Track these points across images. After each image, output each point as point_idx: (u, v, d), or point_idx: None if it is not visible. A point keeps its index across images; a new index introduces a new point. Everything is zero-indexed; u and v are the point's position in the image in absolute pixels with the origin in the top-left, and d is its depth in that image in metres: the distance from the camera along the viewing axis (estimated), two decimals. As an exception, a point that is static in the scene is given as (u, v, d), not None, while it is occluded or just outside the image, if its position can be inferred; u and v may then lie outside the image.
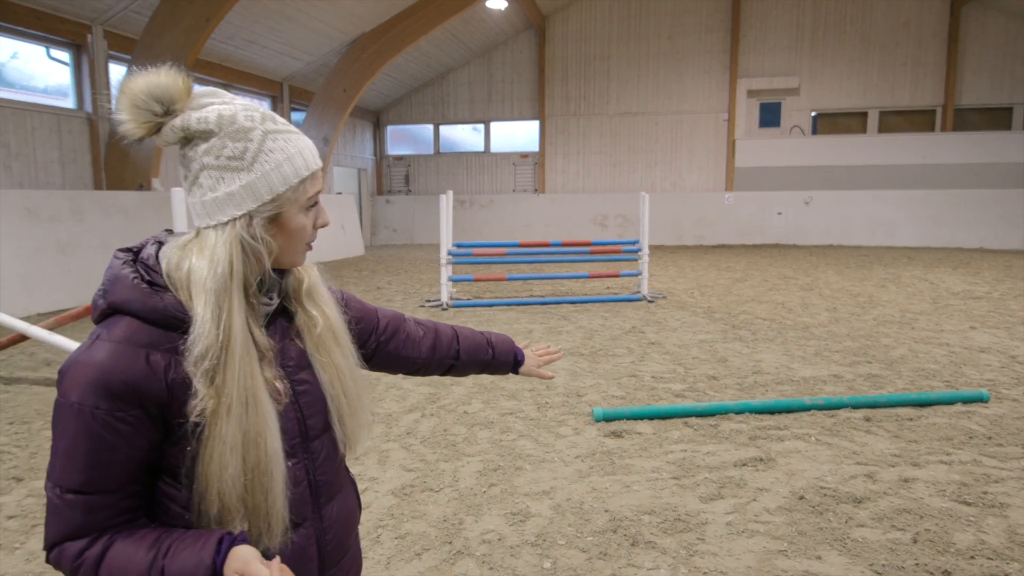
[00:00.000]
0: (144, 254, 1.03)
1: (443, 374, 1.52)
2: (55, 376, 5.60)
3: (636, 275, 9.63)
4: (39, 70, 10.54)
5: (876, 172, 17.92)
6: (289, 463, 1.04)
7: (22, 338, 5.40)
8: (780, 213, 18.46)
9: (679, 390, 5.12)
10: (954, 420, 4.31)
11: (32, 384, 5.44)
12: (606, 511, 3.13)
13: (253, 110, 1.02)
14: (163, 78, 0.97)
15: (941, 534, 2.86)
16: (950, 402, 4.65)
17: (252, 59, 14.24)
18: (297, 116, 16.79)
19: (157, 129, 0.99)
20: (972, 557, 2.68)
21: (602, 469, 3.62)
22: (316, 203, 1.07)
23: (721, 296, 9.76)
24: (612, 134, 19.52)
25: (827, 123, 18.69)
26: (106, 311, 0.98)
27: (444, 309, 8.84)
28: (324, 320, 1.13)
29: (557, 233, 19.26)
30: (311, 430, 1.10)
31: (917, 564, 2.62)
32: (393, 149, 21.29)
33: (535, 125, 20.05)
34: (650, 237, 12.75)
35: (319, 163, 1.06)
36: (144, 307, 0.96)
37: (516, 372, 1.57)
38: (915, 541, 2.80)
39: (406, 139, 21.22)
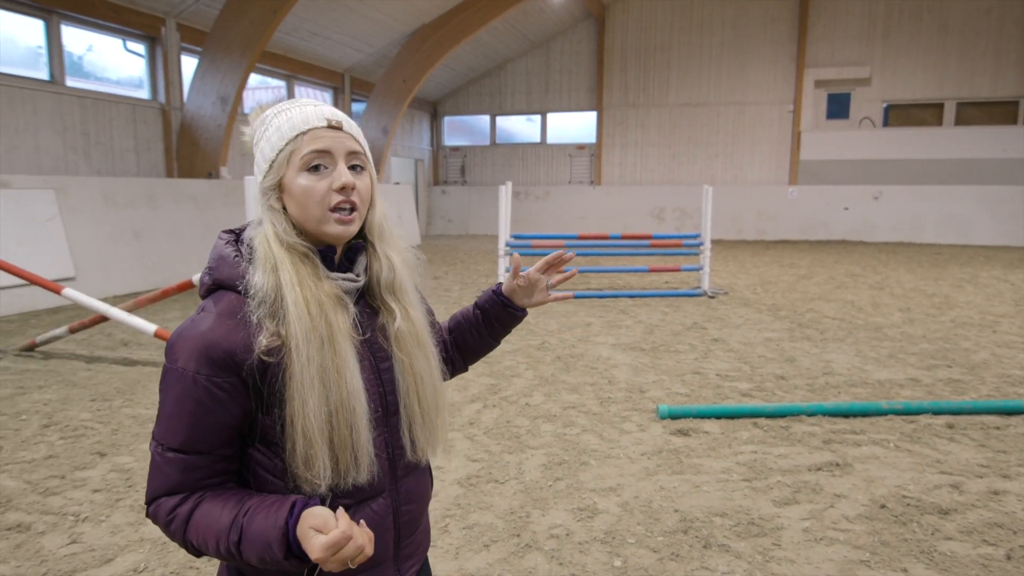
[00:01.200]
0: (245, 235, 1.09)
1: (465, 364, 1.47)
2: (133, 356, 5.84)
3: (697, 270, 9.43)
4: (116, 62, 10.97)
5: (951, 166, 17.07)
6: (372, 434, 1.07)
7: (102, 319, 5.63)
8: (847, 208, 17.80)
9: (746, 389, 4.98)
10: (1046, 430, 4.06)
11: (112, 363, 5.67)
12: (676, 511, 3.06)
13: (285, 103, 1.11)
14: (256, 110, 1.14)
15: (1038, 551, 2.69)
16: (1040, 411, 4.38)
17: (315, 50, 14.50)
18: (357, 107, 17.04)
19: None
20: (1074, 578, 2.51)
21: (669, 468, 3.55)
22: (323, 164, 1.04)
23: (785, 293, 9.47)
24: (672, 125, 19.15)
25: (899, 115, 17.88)
26: (211, 287, 1.05)
27: (501, 300, 8.83)
28: (404, 318, 1.13)
29: (612, 226, 19.05)
30: (391, 406, 1.13)
31: (1014, 582, 2.48)
32: (450, 140, 21.41)
33: (592, 116, 19.84)
34: (711, 231, 12.49)
35: (314, 123, 1.05)
36: (231, 278, 1.04)
37: (506, 303, 1.40)
38: (1009, 558, 2.65)
39: (462, 130, 21.31)
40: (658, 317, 7.77)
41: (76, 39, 10.18)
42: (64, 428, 4.13)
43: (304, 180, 1.04)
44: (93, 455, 3.72)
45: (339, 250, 1.11)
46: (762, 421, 4.24)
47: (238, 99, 10.85)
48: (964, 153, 16.96)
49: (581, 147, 20.08)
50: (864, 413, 4.34)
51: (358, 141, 1.10)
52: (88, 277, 8.67)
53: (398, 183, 18.41)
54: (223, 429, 0.99)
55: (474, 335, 1.42)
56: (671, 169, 19.33)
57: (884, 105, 17.82)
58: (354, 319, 1.08)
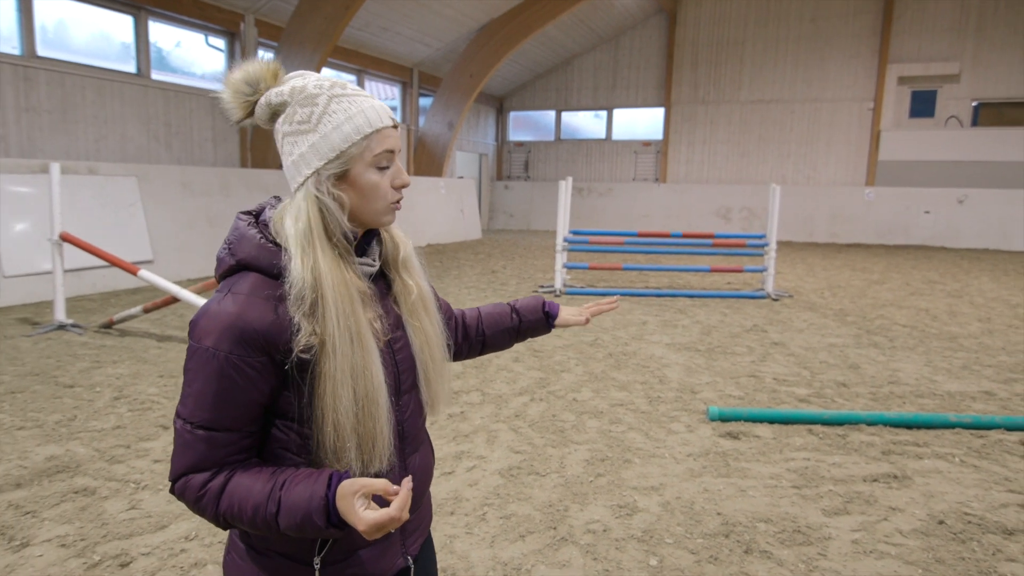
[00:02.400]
0: (263, 216, 1.12)
1: (478, 354, 1.55)
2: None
3: (761, 271, 9.16)
4: (199, 57, 11.49)
5: (1047, 169, 15.97)
6: (392, 423, 1.12)
7: (174, 300, 5.92)
8: (928, 212, 16.90)
9: (803, 395, 4.81)
10: None
11: (180, 342, 5.96)
12: (718, 514, 2.99)
13: (324, 79, 1.10)
14: (253, 66, 1.09)
15: (1114, 581, 2.50)
16: None
17: (385, 45, 14.79)
18: (424, 101, 17.29)
19: (252, 109, 1.11)
20: None
21: (716, 470, 3.47)
22: (390, 162, 1.09)
23: (855, 298, 9.08)
24: (742, 122, 18.62)
25: (991, 114, 16.82)
26: (234, 267, 1.07)
27: (557, 295, 8.82)
28: (417, 289, 1.22)
29: (677, 224, 18.70)
30: (402, 384, 1.18)
31: (1082, 612, 2.31)
32: (514, 135, 21.47)
33: (659, 112, 19.51)
34: (779, 232, 12.07)
35: (385, 122, 1.08)
36: (267, 263, 1.05)
37: (552, 326, 1.56)
38: (1080, 586, 2.47)
39: (527, 125, 21.32)
40: (717, 318, 7.59)
41: (162, 34, 10.72)
42: (133, 401, 4.37)
43: (374, 176, 1.09)
44: (157, 427, 3.92)
45: (358, 236, 1.15)
46: (818, 428, 4.08)
47: (309, 92, 11.17)
48: (1062, 155, 15.83)
49: (647, 144, 19.78)
50: (930, 425, 4.12)
51: None
52: (165, 260, 9.13)
53: (462, 177, 18.59)
54: (251, 407, 1.03)
55: (504, 337, 1.53)
56: (740, 168, 18.81)
57: (974, 103, 16.81)
58: (376, 312, 1.14)
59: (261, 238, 1.06)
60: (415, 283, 1.21)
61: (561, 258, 8.95)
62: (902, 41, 17.01)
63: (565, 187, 8.95)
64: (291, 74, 1.12)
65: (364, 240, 1.16)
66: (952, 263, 13.41)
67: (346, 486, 0.96)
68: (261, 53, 12.05)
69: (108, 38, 9.96)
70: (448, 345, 1.30)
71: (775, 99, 18.25)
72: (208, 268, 9.87)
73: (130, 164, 9.17)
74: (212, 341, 1.00)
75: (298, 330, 1.01)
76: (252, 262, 1.05)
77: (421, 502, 1.25)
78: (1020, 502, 3.14)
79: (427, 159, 16.63)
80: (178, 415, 1.03)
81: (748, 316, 7.73)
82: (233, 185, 10.37)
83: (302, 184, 1.07)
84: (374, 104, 1.09)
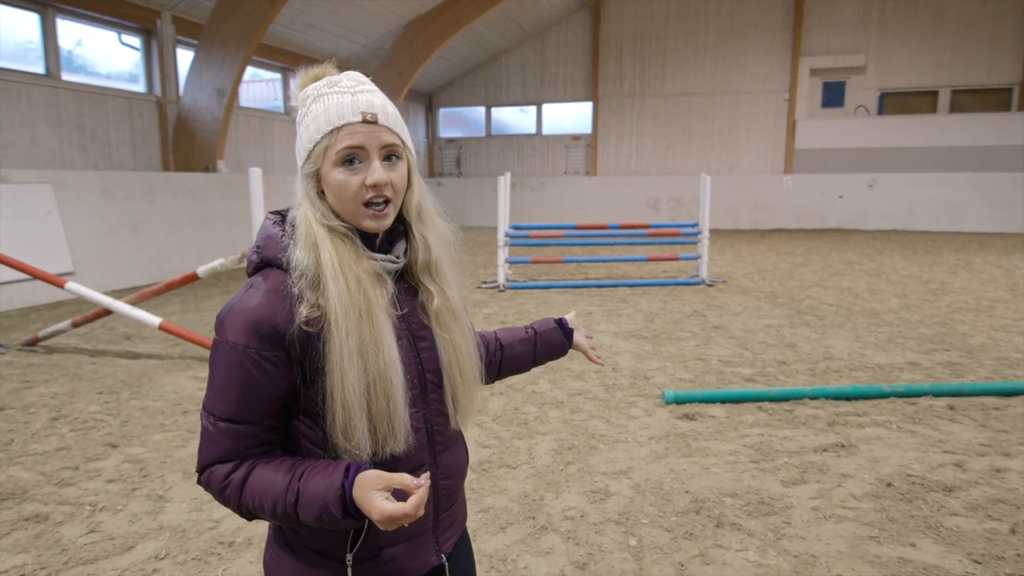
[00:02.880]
0: (290, 216, 1.13)
1: (496, 375, 1.48)
2: (136, 349, 5.85)
3: (695, 258, 9.48)
4: (111, 55, 10.91)
5: (945, 154, 17.16)
6: (411, 411, 1.10)
7: (106, 312, 5.64)
8: (842, 197, 17.87)
9: (749, 374, 5.04)
10: (1045, 411, 4.13)
11: (116, 356, 5.69)
12: (687, 492, 3.11)
13: (332, 79, 1.11)
14: (313, 69, 1.13)
15: (1042, 526, 2.75)
16: (1039, 392, 4.45)
17: (310, 42, 14.44)
18: (353, 99, 16.98)
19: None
20: (1078, 551, 2.57)
21: (678, 451, 3.60)
22: (357, 159, 1.06)
23: (783, 281, 9.53)
24: (667, 115, 19.17)
25: (894, 103, 17.94)
26: (259, 264, 1.09)
27: (501, 291, 8.88)
28: (441, 298, 1.16)
29: (608, 216, 19.08)
30: (428, 383, 1.16)
31: (1019, 555, 2.53)
32: (445, 132, 21.37)
33: (588, 107, 19.83)
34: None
35: (348, 118, 1.05)
36: (277, 256, 1.07)
37: (570, 342, 1.53)
38: (1013, 532, 2.71)
39: (457, 121, 21.27)
40: (658, 305, 7.82)
41: (70, 33, 10.12)
42: (73, 421, 4.15)
43: (339, 175, 1.06)
44: (104, 446, 3.74)
45: (380, 234, 1.14)
46: (766, 405, 4.29)
47: (234, 92, 10.81)
48: (958, 140, 17.05)
49: (577, 138, 20.08)
50: (866, 396, 4.40)
51: (393, 131, 1.10)
52: (87, 271, 8.66)
53: (394, 175, 18.36)
54: (271, 401, 1.03)
55: (521, 348, 1.48)
56: (667, 159, 19.36)
57: (879, 93, 17.88)
58: (392, 296, 1.11)
59: (282, 235, 1.08)
60: (438, 291, 1.17)
61: (503, 253, 9.01)
62: (812, 35, 17.89)
63: (504, 182, 9.01)
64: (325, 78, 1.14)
65: (388, 239, 1.15)
66: (866, 244, 14.25)
67: (365, 477, 0.97)
68: (180, 52, 11.55)
69: (7, 37, 9.32)
70: (481, 368, 1.25)
71: (697, 92, 18.86)
72: (134, 278, 9.43)
73: (44, 171, 8.63)
74: (232, 335, 1.01)
75: (303, 304, 1.02)
76: (273, 259, 1.07)
77: (455, 499, 1.24)
78: (955, 462, 3.40)
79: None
80: (204, 408, 1.05)
81: (687, 302, 8.00)
82: (157, 190, 9.92)
83: (298, 181, 1.12)
84: (344, 100, 1.07)
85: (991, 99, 17.26)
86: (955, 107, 17.46)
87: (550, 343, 1.50)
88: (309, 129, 1.08)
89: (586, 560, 2.57)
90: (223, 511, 2.98)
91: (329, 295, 1.02)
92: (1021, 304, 7.59)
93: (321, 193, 1.10)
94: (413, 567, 1.16)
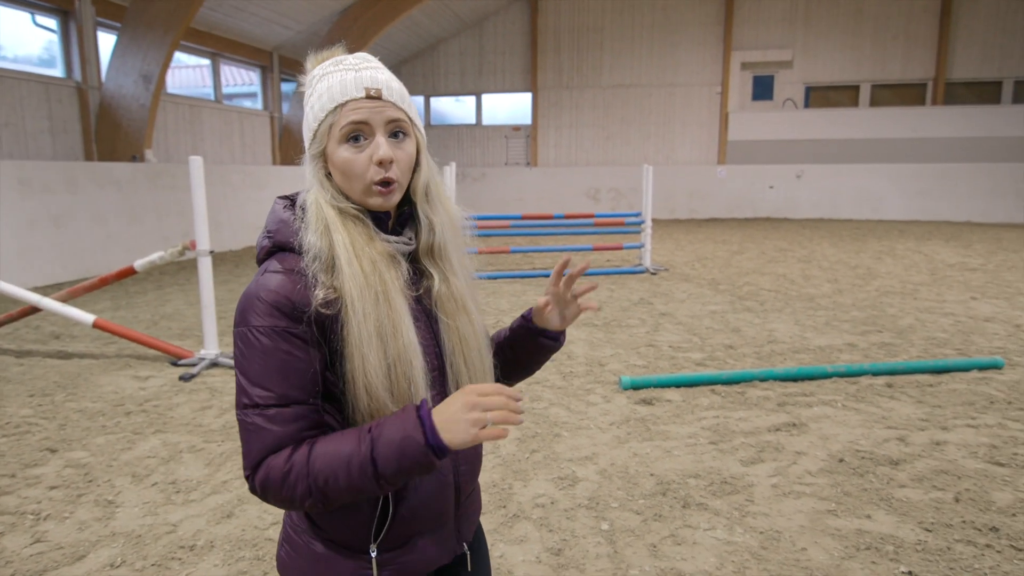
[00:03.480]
0: (299, 200, 1.10)
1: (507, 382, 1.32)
2: (68, 348, 5.53)
3: (639, 248, 9.66)
4: (24, 38, 10.21)
5: (866, 146, 18.03)
6: (431, 393, 1.07)
7: (33, 310, 5.30)
8: (772, 187, 18.55)
9: (699, 359, 5.17)
10: (973, 386, 4.40)
11: (45, 357, 5.36)
12: (652, 475, 3.17)
13: (337, 58, 1.08)
14: (323, 52, 1.11)
15: (981, 493, 2.94)
16: (966, 369, 4.75)
17: (241, 27, 13.90)
18: (287, 87, 16.49)
19: None
20: (1014, 515, 2.75)
21: (639, 435, 3.66)
22: (362, 135, 1.03)
23: (722, 268, 9.83)
24: (605, 106, 19.41)
25: (819, 96, 18.72)
26: (272, 249, 1.06)
27: (449, 282, 8.81)
28: (444, 284, 1.12)
29: (550, 206, 19.21)
30: (445, 365, 1.12)
31: (964, 522, 2.70)
32: (383, 121, 20.98)
33: (527, 97, 19.87)
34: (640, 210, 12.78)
35: (351, 94, 1.02)
36: (291, 239, 1.05)
37: (539, 331, 1.25)
38: (957, 500, 2.88)
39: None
40: (605, 294, 7.93)
41: (-23, 11, 9.41)
42: (5, 426, 3.89)
43: (345, 152, 1.04)
44: (42, 452, 3.52)
45: (392, 215, 1.11)
46: (719, 388, 4.42)
47: (162, 78, 10.31)
48: (878, 133, 17.94)
49: (517, 128, 20.10)
50: (811, 377, 4.59)
51: (399, 107, 1.07)
52: (4, 267, 8.11)
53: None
54: (314, 375, 1.00)
55: (513, 365, 1.31)
56: (606, 150, 19.62)
57: (805, 87, 18.60)
58: (407, 277, 1.08)
59: (293, 219, 1.06)
60: (440, 276, 1.12)
61: (450, 244, 8.93)
62: (743, 30, 18.43)
63: (450, 172, 8.93)
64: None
65: (399, 220, 1.12)
66: (796, 232, 14.84)
67: (443, 410, 0.94)
68: (102, 35, 10.92)
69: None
70: (491, 363, 1.17)
71: (634, 84, 19.16)
72: (57, 273, 8.90)
73: (-48, 160, 8.02)
74: (260, 319, 0.98)
75: (318, 285, 1.00)
76: (283, 241, 1.05)
77: (474, 486, 1.23)
78: (898, 436, 3.59)
79: (295, 147, 15.90)
80: (242, 407, 0.99)
81: (633, 290, 8.14)
82: (80, 181, 9.37)
83: (307, 164, 1.09)
84: (347, 77, 1.04)
85: (907, 94, 18.23)
86: (875, 101, 18.36)
87: (521, 337, 1.28)
88: (314, 108, 1.05)
89: (561, 546, 2.58)
90: (181, 514, 2.86)
91: (344, 278, 1.00)
92: (941, 287, 8.07)
93: (329, 175, 1.07)
94: (437, 557, 1.14)
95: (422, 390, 1.03)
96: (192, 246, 4.95)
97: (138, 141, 10.56)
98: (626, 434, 3.69)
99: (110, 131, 10.60)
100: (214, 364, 5.04)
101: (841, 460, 3.29)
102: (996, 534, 2.59)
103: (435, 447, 0.93)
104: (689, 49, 18.74)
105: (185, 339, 5.93)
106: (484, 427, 0.93)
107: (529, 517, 2.80)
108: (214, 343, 5.09)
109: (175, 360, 5.15)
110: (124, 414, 4.08)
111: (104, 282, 5.27)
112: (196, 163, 4.76)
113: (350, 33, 14.92)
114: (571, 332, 6.07)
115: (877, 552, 2.49)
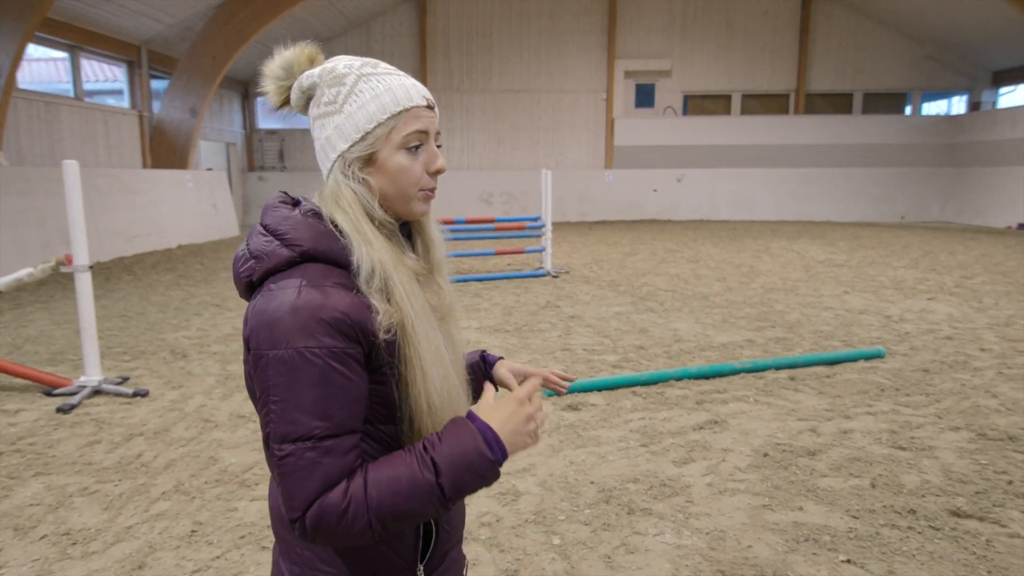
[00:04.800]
0: (303, 206, 1.03)
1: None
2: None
3: (540, 251, 9.75)
4: None
5: (739, 151, 19.27)
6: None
7: None
8: (656, 190, 19.39)
9: (614, 361, 5.26)
10: (863, 375, 4.76)
11: None
12: (592, 483, 3.16)
13: (355, 59, 1.04)
14: (291, 51, 1.06)
15: (891, 478, 3.16)
16: (854, 359, 5.13)
17: (105, 19, 12.74)
18: (158, 84, 15.31)
19: (288, 95, 1.07)
20: (923, 496, 2.98)
21: (572, 442, 3.65)
22: (421, 144, 1.02)
23: (619, 270, 10.12)
24: (495, 111, 19.52)
25: (696, 104, 19.79)
26: (294, 260, 0.96)
27: (349, 290, 8.50)
28: (444, 295, 1.13)
29: (443, 211, 19.02)
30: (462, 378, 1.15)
31: (884, 506, 2.88)
32: (264, 123, 20.02)
33: (417, 100, 19.60)
34: (532, 214, 12.98)
35: (416, 100, 1.01)
36: (332, 251, 0.97)
37: (489, 374, 1.30)
38: (873, 486, 3.08)
39: (279, 112, 19.93)
40: (512, 299, 7.93)
41: None
42: None
43: (402, 159, 1.01)
44: None
45: (411, 227, 1.11)
46: (639, 389, 4.51)
47: (13, 72, 9.24)
48: (748, 139, 19.22)
49: (407, 132, 19.77)
50: (722, 374, 4.79)
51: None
52: None
53: (210, 169, 16.88)
54: (364, 401, 0.95)
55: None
56: (497, 155, 19.73)
57: (683, 95, 19.60)
58: (419, 266, 1.09)
59: (323, 226, 0.98)
60: (437, 286, 1.12)
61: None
62: (625, 39, 19.15)
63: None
64: (327, 60, 1.07)
65: (404, 233, 1.09)
66: (680, 233, 15.59)
67: (484, 405, 0.97)
68: (-66, 21, 9.62)
69: None
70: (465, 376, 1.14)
71: (523, 89, 19.41)
72: None
73: None
74: (305, 340, 0.88)
75: (377, 312, 0.94)
76: (318, 252, 0.96)
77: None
78: (809, 428, 3.80)
79: (167, 149, 14.79)
80: (290, 441, 0.88)
81: (538, 294, 8.20)
82: (-87, 187, 8.19)
83: (331, 169, 1.02)
84: (404, 82, 1.03)
85: (773, 103, 19.67)
86: (745, 110, 19.67)
87: (475, 374, 1.29)
88: (366, 108, 0.99)
89: (515, 566, 2.51)
90: (81, 569, 2.52)
91: (400, 298, 0.97)
92: (816, 283, 8.72)
93: (362, 180, 1.02)
94: (461, 565, 1.17)
95: (464, 403, 1.05)
96: (68, 260, 4.43)
97: (-16, 142, 9.40)
98: (559, 442, 3.67)
99: (31, 135, 9.37)
100: (97, 392, 4.54)
101: (765, 455, 3.44)
102: (914, 516, 2.79)
103: (502, 461, 0.93)
104: (576, 56, 19.24)
105: (57, 364, 5.32)
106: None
107: (477, 538, 2.70)
108: (96, 368, 4.58)
109: (49, 390, 4.58)
110: (-6, 455, 3.57)
111: (-42, 304, 4.61)
112: (71, 167, 4.26)
113: (227, 29, 14.08)
114: (485, 339, 6.01)
115: (816, 543, 2.61)
